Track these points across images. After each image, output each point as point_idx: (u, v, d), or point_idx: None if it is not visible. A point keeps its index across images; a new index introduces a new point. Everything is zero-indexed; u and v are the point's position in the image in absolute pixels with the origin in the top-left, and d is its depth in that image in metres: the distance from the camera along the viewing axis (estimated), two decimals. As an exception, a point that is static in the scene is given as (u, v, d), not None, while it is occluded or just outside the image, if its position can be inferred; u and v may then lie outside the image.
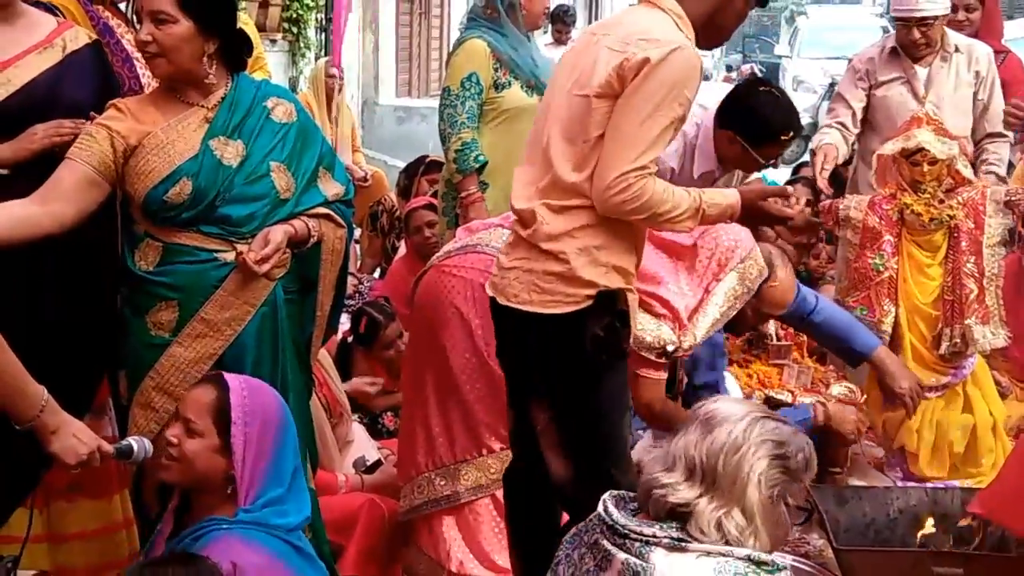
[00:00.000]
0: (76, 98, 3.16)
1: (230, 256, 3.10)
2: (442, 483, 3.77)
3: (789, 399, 4.41)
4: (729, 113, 4.23)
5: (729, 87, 5.05)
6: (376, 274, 7.21)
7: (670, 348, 3.70)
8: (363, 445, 4.51)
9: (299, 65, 11.08)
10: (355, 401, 4.91)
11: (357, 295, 6.15)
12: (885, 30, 14.79)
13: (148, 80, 3.39)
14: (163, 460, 2.83)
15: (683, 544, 2.20)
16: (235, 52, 3.18)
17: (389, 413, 4.94)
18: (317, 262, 3.29)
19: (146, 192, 3.07)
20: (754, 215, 3.10)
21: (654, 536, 2.22)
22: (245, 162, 3.12)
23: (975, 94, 5.23)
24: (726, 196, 3.05)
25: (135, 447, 2.78)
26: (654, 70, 2.82)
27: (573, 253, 2.92)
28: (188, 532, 2.76)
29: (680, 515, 2.25)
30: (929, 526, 3.57)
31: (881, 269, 4.62)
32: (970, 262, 4.58)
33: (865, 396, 4.64)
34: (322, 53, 11.12)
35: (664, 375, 3.76)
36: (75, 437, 2.59)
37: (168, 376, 3.12)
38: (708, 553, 2.19)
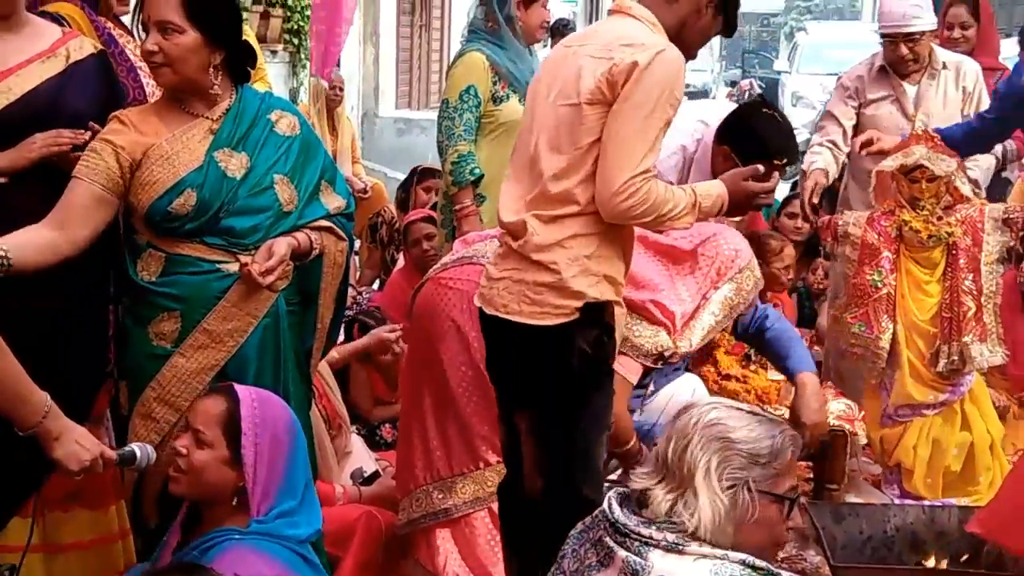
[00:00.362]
0: (78, 108, 3.16)
1: (233, 267, 3.10)
2: (440, 496, 3.77)
3: (788, 416, 4.40)
4: (728, 129, 4.24)
5: (733, 105, 5.05)
6: (375, 286, 7.21)
7: (667, 354, 3.73)
8: (361, 457, 4.51)
9: (299, 76, 11.08)
10: (354, 413, 4.91)
11: (356, 306, 6.16)
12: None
13: (152, 90, 3.39)
14: (171, 472, 2.83)
15: (679, 547, 2.24)
16: (240, 63, 3.19)
17: (387, 425, 4.94)
18: (319, 275, 3.30)
19: (150, 203, 3.07)
20: (739, 197, 3.11)
21: (651, 538, 2.26)
22: (249, 174, 3.13)
23: (963, 110, 5.24)
24: (713, 186, 3.10)
25: (138, 453, 2.78)
26: (644, 74, 2.86)
27: (564, 263, 2.94)
28: (197, 543, 2.76)
29: (648, 502, 2.30)
30: (931, 558, 3.57)
31: (879, 285, 4.63)
32: (968, 279, 4.59)
33: (863, 413, 4.65)
34: (322, 65, 11.12)
35: (636, 377, 3.77)
36: (78, 443, 2.58)
37: (169, 387, 3.12)
38: (705, 556, 2.22)
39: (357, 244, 6.99)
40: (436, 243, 5.44)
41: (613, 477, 4.17)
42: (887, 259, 4.63)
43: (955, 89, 5.23)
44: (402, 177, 7.96)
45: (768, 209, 5.82)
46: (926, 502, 4.33)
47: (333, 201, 3.29)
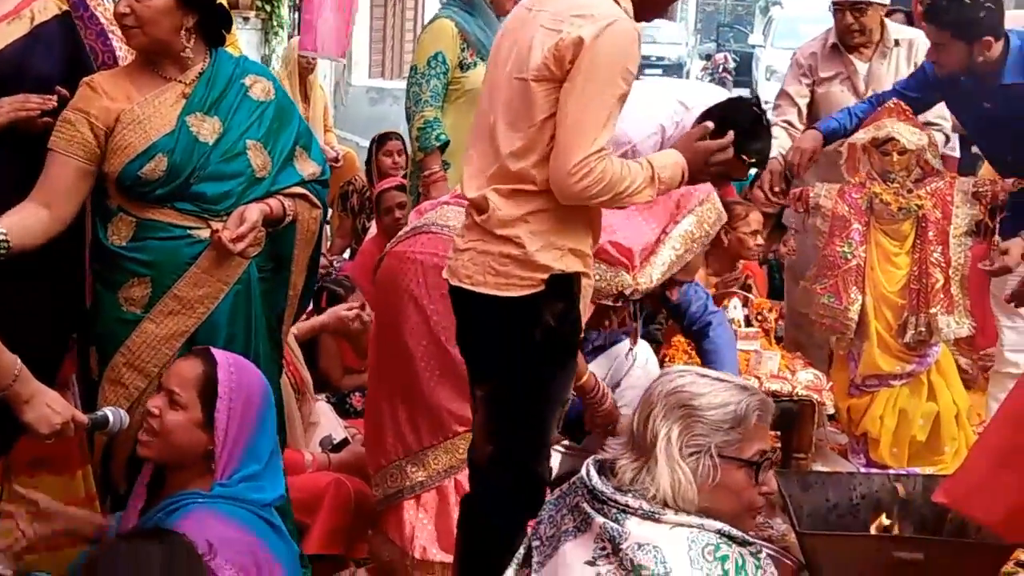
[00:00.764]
0: (44, 71, 3.12)
1: (204, 233, 3.09)
2: (413, 469, 3.75)
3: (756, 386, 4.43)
4: (709, 115, 4.22)
5: (715, 88, 5.01)
6: (346, 255, 7.20)
7: (627, 292, 3.73)
8: (330, 424, 4.51)
9: (271, 44, 11.01)
10: (324, 381, 4.91)
11: (327, 275, 6.14)
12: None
13: (124, 54, 3.34)
14: (141, 436, 2.83)
15: (656, 516, 2.27)
16: (214, 27, 3.16)
17: (357, 393, 4.94)
18: (291, 242, 3.29)
19: (121, 167, 3.05)
20: (697, 160, 3.05)
21: (628, 506, 2.28)
22: (221, 139, 3.11)
23: None
24: (669, 155, 3.03)
25: (111, 417, 2.78)
26: (591, 50, 2.77)
27: (528, 237, 2.88)
28: (162, 505, 2.76)
29: (616, 471, 2.35)
30: (884, 519, 3.61)
31: (849, 257, 4.67)
32: (937, 252, 4.63)
33: (831, 383, 4.69)
34: (295, 32, 11.04)
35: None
36: (49, 407, 2.58)
37: (139, 353, 3.11)
38: (681, 524, 2.25)
39: (329, 213, 6.96)
40: (407, 212, 5.43)
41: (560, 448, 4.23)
42: (857, 231, 4.66)
43: (908, 66, 5.18)
44: (374, 146, 7.92)
45: (741, 184, 5.82)
46: (891, 471, 4.38)
47: (308, 167, 3.28)
